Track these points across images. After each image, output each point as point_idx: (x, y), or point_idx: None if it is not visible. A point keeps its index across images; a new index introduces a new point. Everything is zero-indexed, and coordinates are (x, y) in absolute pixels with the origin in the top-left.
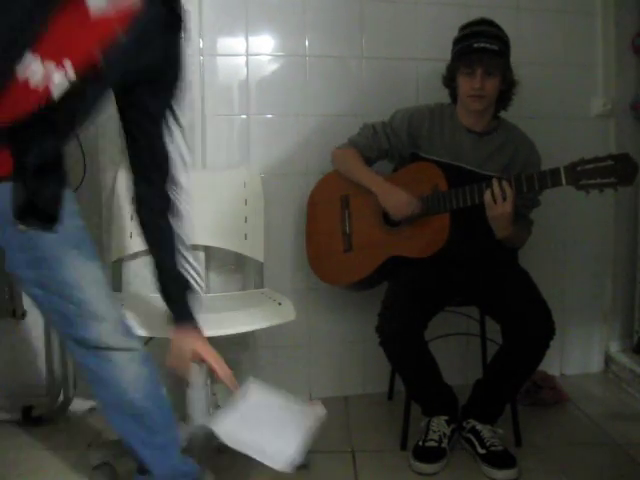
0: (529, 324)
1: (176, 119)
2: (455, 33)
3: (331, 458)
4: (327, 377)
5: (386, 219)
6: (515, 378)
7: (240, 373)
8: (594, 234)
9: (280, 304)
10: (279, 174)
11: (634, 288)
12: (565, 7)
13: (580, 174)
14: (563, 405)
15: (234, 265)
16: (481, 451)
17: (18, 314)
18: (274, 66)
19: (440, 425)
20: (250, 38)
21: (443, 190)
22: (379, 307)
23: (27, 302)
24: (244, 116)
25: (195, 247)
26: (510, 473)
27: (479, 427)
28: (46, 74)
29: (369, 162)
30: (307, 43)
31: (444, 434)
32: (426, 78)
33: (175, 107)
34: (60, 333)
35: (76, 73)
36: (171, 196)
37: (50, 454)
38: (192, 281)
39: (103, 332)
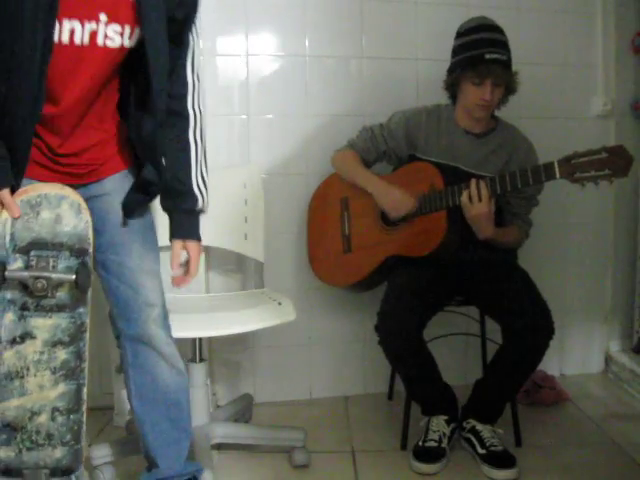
0: (529, 324)
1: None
2: (455, 33)
3: (331, 458)
4: (327, 377)
5: (384, 219)
6: (515, 378)
7: (240, 373)
8: (594, 234)
9: (280, 304)
10: (279, 174)
11: (634, 288)
12: (565, 7)
13: (574, 167)
14: (563, 405)
15: (234, 265)
16: (481, 451)
17: None
18: (274, 66)
19: (440, 425)
20: (250, 38)
21: (439, 189)
22: (379, 307)
23: None
24: (244, 116)
25: None
26: (510, 473)
27: (479, 427)
28: (88, 30)
29: (368, 164)
30: (307, 43)
31: (444, 434)
32: (426, 78)
33: (190, 28)
34: (115, 320)
35: (118, 24)
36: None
37: None
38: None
39: (152, 317)
